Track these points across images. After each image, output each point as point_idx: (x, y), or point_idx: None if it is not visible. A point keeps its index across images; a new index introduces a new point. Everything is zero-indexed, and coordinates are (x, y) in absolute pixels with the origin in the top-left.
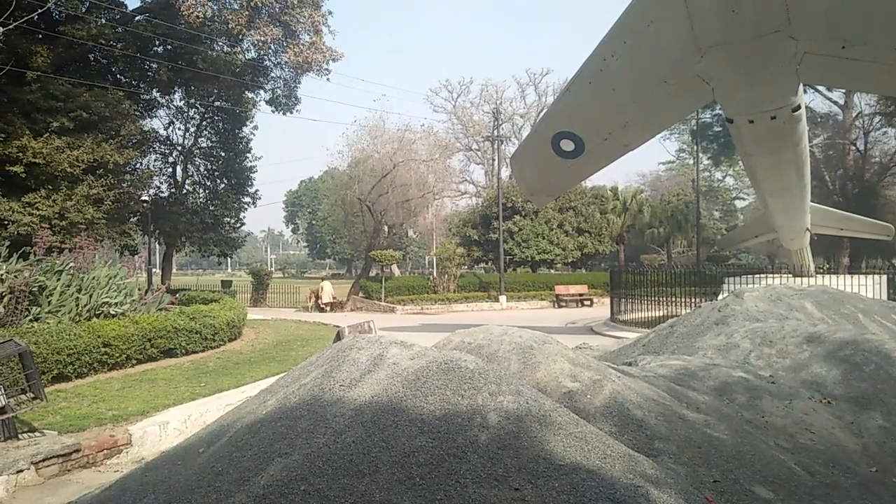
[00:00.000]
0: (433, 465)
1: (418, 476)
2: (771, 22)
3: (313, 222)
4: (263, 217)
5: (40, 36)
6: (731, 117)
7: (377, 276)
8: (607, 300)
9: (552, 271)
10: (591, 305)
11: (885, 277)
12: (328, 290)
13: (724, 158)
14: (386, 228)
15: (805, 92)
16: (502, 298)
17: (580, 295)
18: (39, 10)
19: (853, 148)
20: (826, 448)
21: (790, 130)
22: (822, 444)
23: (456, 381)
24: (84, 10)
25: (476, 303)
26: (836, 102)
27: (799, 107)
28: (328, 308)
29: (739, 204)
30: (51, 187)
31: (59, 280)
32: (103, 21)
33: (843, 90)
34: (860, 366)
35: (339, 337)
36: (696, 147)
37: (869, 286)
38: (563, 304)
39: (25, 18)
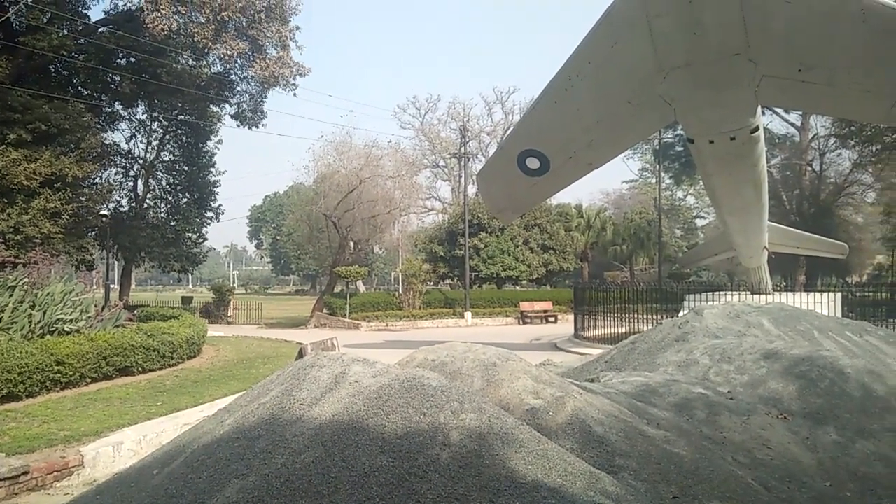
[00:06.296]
0: (394, 484)
1: (378, 496)
2: (731, 45)
3: (278, 238)
4: (227, 232)
5: None
6: (692, 137)
7: (342, 293)
8: (571, 317)
9: (517, 288)
10: (555, 322)
11: (839, 295)
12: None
13: (685, 178)
14: (351, 244)
15: (763, 114)
16: (467, 315)
17: (545, 311)
18: None
19: (809, 168)
20: (782, 463)
21: (749, 151)
22: (778, 459)
23: (418, 399)
24: (45, 20)
25: (441, 319)
26: (793, 124)
27: (757, 128)
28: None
29: (700, 222)
30: (6, 200)
31: (11, 296)
32: (65, 32)
33: (800, 112)
34: (815, 382)
35: (301, 354)
36: (658, 166)
37: (824, 303)
38: (528, 320)
39: None
